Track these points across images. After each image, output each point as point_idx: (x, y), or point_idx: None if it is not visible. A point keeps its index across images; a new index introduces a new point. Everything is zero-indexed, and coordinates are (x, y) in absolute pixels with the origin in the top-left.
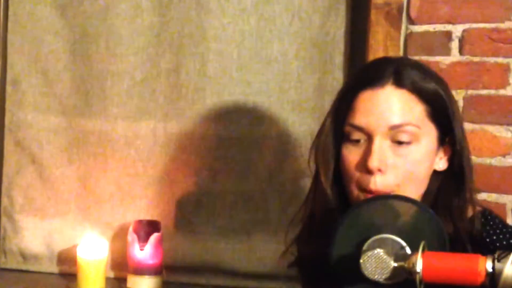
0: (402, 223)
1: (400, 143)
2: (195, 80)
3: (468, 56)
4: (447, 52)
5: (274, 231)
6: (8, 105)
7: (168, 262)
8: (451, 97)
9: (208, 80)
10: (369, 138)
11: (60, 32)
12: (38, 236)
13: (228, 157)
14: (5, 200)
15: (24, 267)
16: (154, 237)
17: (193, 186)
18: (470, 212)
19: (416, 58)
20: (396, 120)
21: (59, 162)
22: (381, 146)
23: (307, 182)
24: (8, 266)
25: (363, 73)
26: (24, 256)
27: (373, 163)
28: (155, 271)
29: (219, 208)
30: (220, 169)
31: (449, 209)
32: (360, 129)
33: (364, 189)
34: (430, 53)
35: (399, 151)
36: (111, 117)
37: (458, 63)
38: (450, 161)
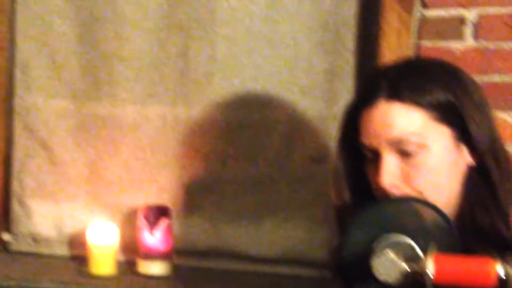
0: (414, 224)
1: (407, 154)
2: (204, 64)
3: (482, 41)
4: (460, 37)
5: (284, 216)
6: (16, 89)
7: (178, 246)
8: (463, 94)
9: (217, 64)
10: (378, 155)
11: (68, 16)
12: (48, 220)
13: (237, 142)
14: (15, 184)
15: (35, 250)
16: (163, 222)
17: (202, 171)
18: None
19: (429, 43)
20: (393, 134)
21: (68, 146)
22: (389, 162)
23: (316, 167)
24: (20, 249)
25: (360, 92)
26: (35, 239)
27: (383, 182)
28: (165, 256)
29: (228, 192)
30: (229, 154)
31: (486, 205)
32: (367, 148)
33: None
34: (443, 38)
35: (409, 162)
36: (120, 101)
37: (472, 48)
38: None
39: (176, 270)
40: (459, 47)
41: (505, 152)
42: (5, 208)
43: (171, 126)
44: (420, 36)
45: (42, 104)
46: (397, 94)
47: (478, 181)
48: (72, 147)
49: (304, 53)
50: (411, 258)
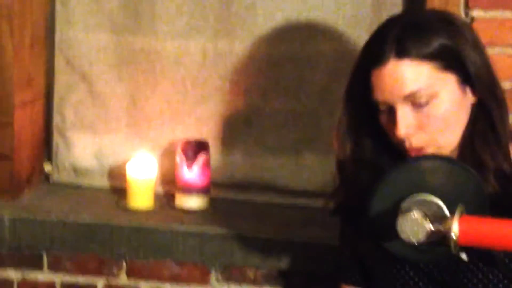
0: (442, 184)
1: (420, 105)
2: None
3: None
4: None
5: (325, 150)
6: (57, 24)
7: (216, 179)
8: (458, 36)
9: None
10: (392, 108)
11: None
12: (89, 152)
13: (279, 76)
14: (57, 117)
15: (75, 182)
16: (202, 157)
17: (242, 105)
18: None
19: None
20: (406, 91)
21: (109, 80)
22: (404, 113)
23: None
24: (61, 180)
25: (368, 52)
26: (75, 171)
27: (400, 132)
28: (203, 190)
29: (268, 126)
30: (270, 88)
31: (486, 139)
32: (381, 102)
33: (405, 151)
34: None
35: (423, 111)
36: (160, 35)
37: None
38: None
39: (214, 203)
40: None
41: (501, 88)
42: (47, 140)
43: (212, 60)
44: None
45: (83, 38)
46: (404, 52)
47: (478, 117)
48: (112, 80)
49: None
50: (437, 218)
